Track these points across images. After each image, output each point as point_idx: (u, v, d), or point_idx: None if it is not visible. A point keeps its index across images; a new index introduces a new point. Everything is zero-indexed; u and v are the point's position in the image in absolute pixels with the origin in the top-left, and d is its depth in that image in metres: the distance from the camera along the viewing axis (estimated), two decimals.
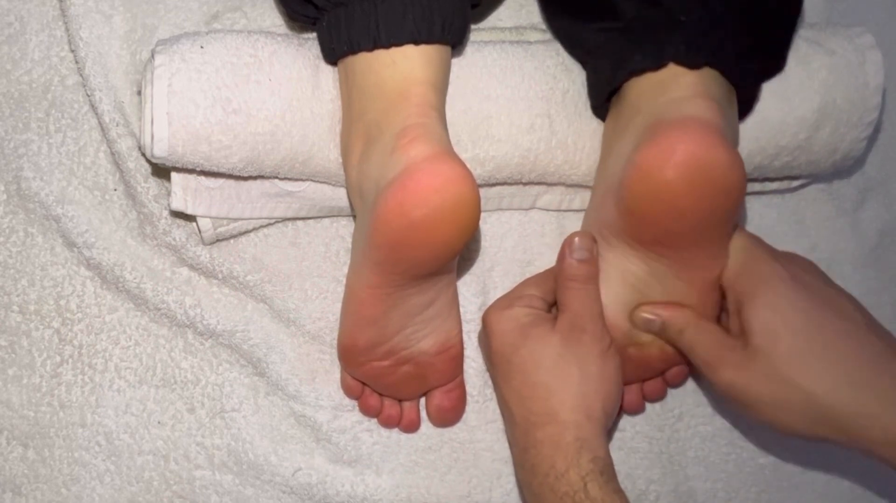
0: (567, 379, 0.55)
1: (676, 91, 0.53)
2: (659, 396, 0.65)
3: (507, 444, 0.64)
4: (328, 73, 0.57)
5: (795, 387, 0.52)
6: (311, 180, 0.60)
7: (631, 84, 0.56)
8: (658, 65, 0.54)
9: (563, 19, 0.61)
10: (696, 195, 0.51)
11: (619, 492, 0.53)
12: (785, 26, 0.58)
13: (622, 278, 0.58)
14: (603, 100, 0.59)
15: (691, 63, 0.53)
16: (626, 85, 0.56)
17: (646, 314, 0.58)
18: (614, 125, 0.58)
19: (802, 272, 0.56)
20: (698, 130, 0.50)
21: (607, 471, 0.53)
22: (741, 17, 0.54)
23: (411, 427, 0.64)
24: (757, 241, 0.58)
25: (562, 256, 0.58)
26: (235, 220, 0.61)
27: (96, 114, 0.62)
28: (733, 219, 0.54)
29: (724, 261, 0.56)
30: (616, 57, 0.56)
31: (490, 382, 0.64)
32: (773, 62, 0.60)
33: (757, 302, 0.54)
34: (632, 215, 0.54)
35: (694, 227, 0.53)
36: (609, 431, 0.60)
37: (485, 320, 0.59)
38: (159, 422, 0.63)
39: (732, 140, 0.55)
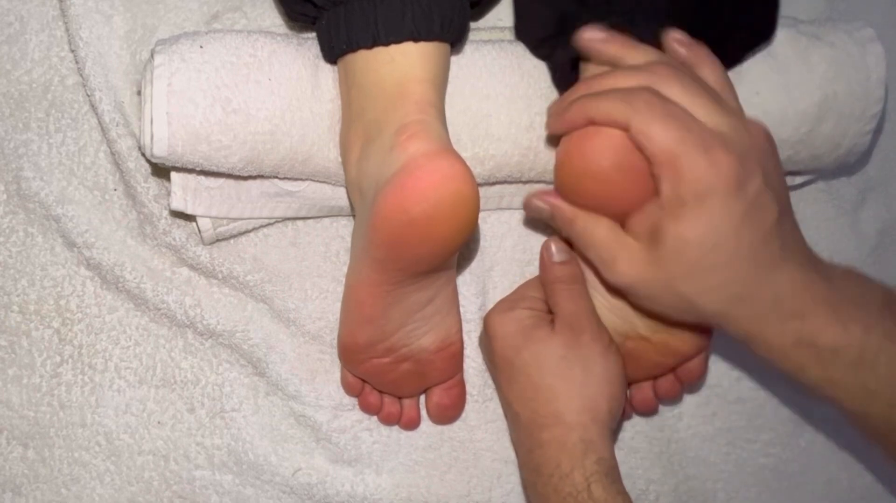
0: (571, 380, 0.55)
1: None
2: (672, 396, 0.63)
3: (507, 444, 0.64)
4: (328, 73, 0.57)
5: (689, 302, 0.51)
6: (311, 180, 0.60)
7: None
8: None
9: None
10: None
11: (623, 493, 0.53)
12: None
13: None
14: None
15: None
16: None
17: (537, 201, 0.56)
18: None
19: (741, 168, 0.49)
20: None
21: (612, 473, 0.53)
22: None
23: (411, 424, 0.64)
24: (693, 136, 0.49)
25: (543, 262, 0.58)
26: (235, 219, 0.61)
27: (96, 114, 0.62)
28: None
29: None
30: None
31: (490, 382, 0.64)
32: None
33: (681, 215, 0.49)
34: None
35: None
36: (614, 432, 0.60)
37: (486, 323, 0.59)
38: (159, 422, 0.63)
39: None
